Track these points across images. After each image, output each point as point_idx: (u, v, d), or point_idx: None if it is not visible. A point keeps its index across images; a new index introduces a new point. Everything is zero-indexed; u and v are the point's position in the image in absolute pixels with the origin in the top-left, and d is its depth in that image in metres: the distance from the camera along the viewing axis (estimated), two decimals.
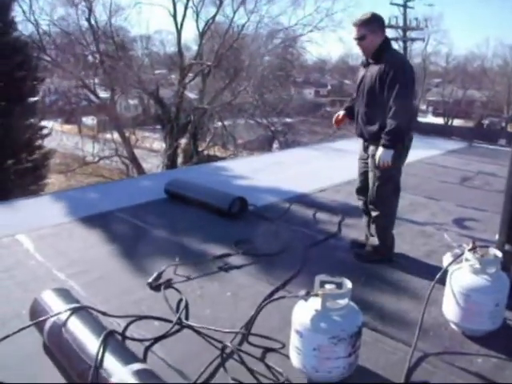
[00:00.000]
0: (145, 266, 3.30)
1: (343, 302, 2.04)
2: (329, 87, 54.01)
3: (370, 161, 3.33)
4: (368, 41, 3.14)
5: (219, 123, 20.26)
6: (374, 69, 3.16)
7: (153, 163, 20.41)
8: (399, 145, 3.12)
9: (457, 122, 45.93)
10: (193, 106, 19.14)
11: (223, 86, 19.14)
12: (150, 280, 3.00)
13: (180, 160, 19.88)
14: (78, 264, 3.30)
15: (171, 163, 18.93)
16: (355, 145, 4.40)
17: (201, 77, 20.28)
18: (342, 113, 3.66)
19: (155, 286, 2.97)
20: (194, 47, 22.08)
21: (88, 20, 19.19)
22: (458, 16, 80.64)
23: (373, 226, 3.44)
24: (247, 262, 3.38)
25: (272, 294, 2.89)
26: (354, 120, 3.48)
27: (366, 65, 3.32)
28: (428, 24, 26.35)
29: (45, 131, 17.38)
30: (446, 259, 2.84)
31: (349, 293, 2.04)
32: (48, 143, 21.52)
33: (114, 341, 2.02)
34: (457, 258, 2.55)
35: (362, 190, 3.54)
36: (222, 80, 19.97)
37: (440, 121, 46.37)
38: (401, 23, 24.81)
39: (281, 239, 3.81)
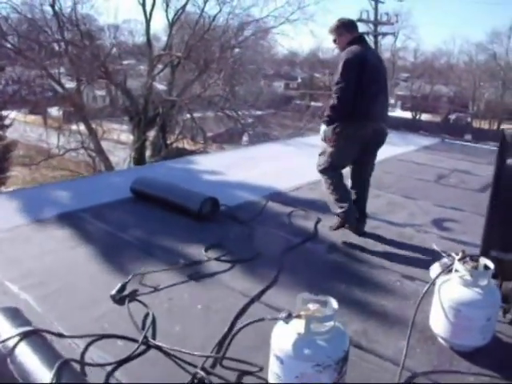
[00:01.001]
0: (108, 275, 3.03)
1: (329, 324, 1.83)
2: (299, 80, 54.01)
3: None
4: (339, 42, 3.78)
5: (188, 115, 19.85)
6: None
7: (120, 156, 19.89)
8: (330, 123, 3.62)
9: (425, 117, 46.62)
10: (162, 97, 18.65)
11: (193, 77, 18.72)
12: (114, 292, 2.73)
13: (148, 153, 19.40)
14: (33, 274, 3.00)
15: (139, 156, 18.45)
16: None
17: (170, 68, 19.81)
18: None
19: (119, 299, 2.71)
20: (164, 38, 21.57)
21: (52, 6, 18.44)
22: (425, 12, 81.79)
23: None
24: (219, 269, 3.14)
25: (246, 306, 2.68)
26: None
27: None
28: (398, 19, 26.42)
29: (6, 122, 16.72)
30: (434, 270, 2.67)
31: (335, 314, 1.83)
32: (10, 134, 20.78)
33: (69, 372, 1.76)
34: (445, 269, 2.37)
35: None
36: (191, 72, 19.54)
37: (408, 115, 46.96)
38: (372, 17, 24.82)
39: (255, 243, 3.59)
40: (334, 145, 3.66)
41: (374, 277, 3.18)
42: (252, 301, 2.75)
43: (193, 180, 5.33)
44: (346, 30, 3.74)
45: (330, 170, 3.77)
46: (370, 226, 4.06)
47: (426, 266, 3.25)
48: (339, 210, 3.75)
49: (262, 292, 2.84)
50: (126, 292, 2.77)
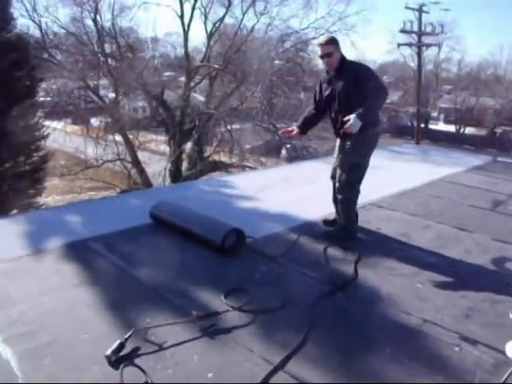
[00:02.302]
0: (110, 325, 2.58)
1: None
2: None
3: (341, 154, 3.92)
4: (334, 57, 3.73)
5: (228, 127, 19.53)
6: (343, 80, 3.73)
7: (157, 167, 19.72)
8: (367, 123, 3.64)
9: (469, 130, 45.05)
10: (198, 109, 18.44)
11: (231, 90, 18.42)
12: (109, 352, 2.27)
13: (184, 166, 19.19)
14: (23, 320, 2.59)
15: (175, 169, 18.25)
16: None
17: (208, 80, 19.62)
18: (295, 130, 4.17)
19: (115, 361, 2.25)
20: (204, 50, 21.43)
21: (94, 20, 18.60)
22: (471, 22, 79.65)
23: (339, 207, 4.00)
24: (239, 322, 2.64)
25: (268, 377, 2.17)
26: (332, 125, 3.99)
27: (329, 81, 3.86)
28: (443, 29, 25.47)
29: (45, 132, 16.79)
30: None
31: None
32: (50, 144, 20.99)
33: None
34: None
35: (334, 176, 4.08)
36: (230, 84, 19.29)
37: (452, 128, 45.53)
38: (416, 28, 24.01)
39: (283, 287, 3.08)
40: (362, 155, 3.84)
41: (425, 338, 2.61)
42: (275, 370, 2.24)
43: (220, 205, 4.87)
44: (339, 46, 3.78)
45: (358, 184, 3.96)
46: (418, 263, 3.51)
47: (488, 322, 2.70)
48: (352, 229, 4.02)
49: (288, 358, 2.33)
50: (124, 351, 2.31)
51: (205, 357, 2.34)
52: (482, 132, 44.76)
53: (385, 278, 3.30)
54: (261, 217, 4.54)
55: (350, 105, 3.66)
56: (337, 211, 4.12)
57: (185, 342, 2.43)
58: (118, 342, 2.32)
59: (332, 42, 3.75)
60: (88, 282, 3.04)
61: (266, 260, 3.48)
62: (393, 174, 6.57)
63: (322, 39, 3.85)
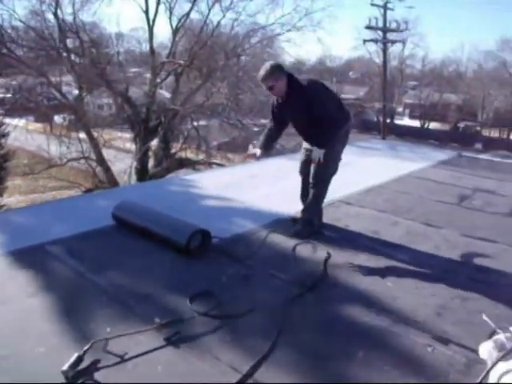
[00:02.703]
0: (67, 337, 2.42)
1: None
2: None
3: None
4: (277, 88, 3.64)
5: (194, 123, 19.26)
6: (295, 105, 3.67)
7: (123, 165, 19.30)
8: (330, 143, 3.71)
9: (433, 125, 45.94)
10: (164, 106, 18.12)
11: (197, 86, 18.17)
12: (66, 367, 2.12)
13: (151, 163, 18.84)
14: None
15: (141, 167, 17.90)
16: None
17: (174, 76, 19.29)
18: (259, 152, 4.00)
19: (72, 377, 2.10)
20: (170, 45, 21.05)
21: (55, 14, 18.00)
22: (434, 20, 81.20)
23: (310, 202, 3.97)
24: (205, 328, 2.52)
25: None
26: (302, 137, 4.03)
27: (282, 105, 3.79)
28: (408, 26, 25.80)
29: (6, 130, 16.23)
30: (486, 349, 2.05)
31: None
32: (12, 142, 20.33)
33: None
34: (506, 355, 1.75)
35: (302, 171, 4.08)
36: (195, 80, 19.02)
37: (416, 123, 46.34)
38: (381, 24, 24.23)
39: (252, 289, 2.97)
40: (336, 151, 3.84)
41: (398, 339, 2.54)
42: (244, 378, 2.13)
43: (185, 204, 4.73)
44: (280, 72, 3.61)
45: (331, 178, 3.95)
46: (389, 261, 3.47)
47: (459, 320, 2.67)
48: (316, 222, 4.03)
49: (257, 365, 2.22)
50: (83, 365, 2.16)
51: (169, 367, 2.21)
52: (446, 127, 45.73)
53: (355, 276, 3.23)
54: (228, 216, 4.42)
55: (311, 120, 3.65)
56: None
57: (148, 352, 2.29)
58: (75, 355, 2.17)
59: (270, 75, 3.59)
60: (45, 290, 2.85)
61: (233, 261, 3.36)
62: (361, 170, 6.54)
63: (261, 73, 3.64)
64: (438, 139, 39.63)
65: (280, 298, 2.85)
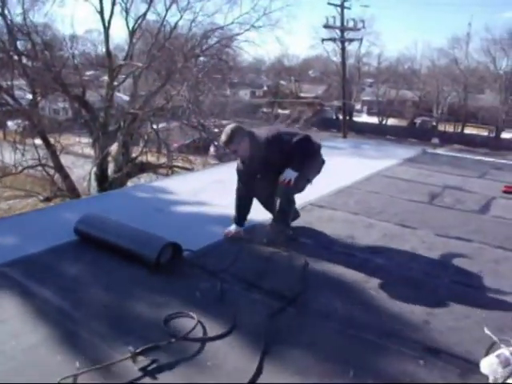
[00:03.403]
0: (30, 376, 2.18)
1: None
2: (265, 88, 53.68)
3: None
4: (240, 151, 3.68)
5: (154, 126, 18.85)
6: (262, 155, 3.66)
7: (82, 171, 18.70)
8: (305, 166, 3.73)
9: (391, 122, 46.82)
10: (123, 110, 17.67)
11: (156, 88, 17.79)
12: None
13: (111, 168, 18.34)
14: None
15: (101, 173, 17.39)
16: None
17: (132, 79, 18.83)
18: (235, 229, 3.89)
19: None
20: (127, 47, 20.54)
21: (1, 14, 17.25)
22: (388, 19, 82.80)
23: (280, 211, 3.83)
24: (183, 354, 2.33)
25: None
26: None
27: (247, 163, 3.80)
28: (364, 25, 26.11)
29: None
30: (488, 365, 1.94)
31: None
32: None
33: None
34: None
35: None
36: (154, 82, 18.62)
37: (375, 120, 47.12)
38: (338, 23, 24.41)
39: (229, 306, 2.78)
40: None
41: (388, 352, 2.42)
42: None
43: (153, 213, 4.50)
44: (241, 135, 3.62)
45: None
46: (368, 267, 3.36)
47: (448, 327, 2.57)
48: (288, 232, 3.88)
49: None
50: None
51: None
52: (403, 123, 46.67)
53: (336, 285, 3.10)
54: (198, 225, 4.22)
55: (284, 160, 3.65)
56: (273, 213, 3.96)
57: None
58: None
59: (231, 139, 3.59)
60: (2, 321, 2.59)
61: (208, 275, 3.17)
62: (328, 171, 6.42)
63: (222, 139, 3.65)
64: (396, 134, 40.44)
65: (260, 314, 2.68)
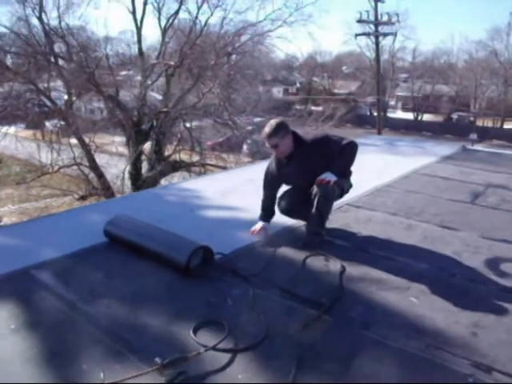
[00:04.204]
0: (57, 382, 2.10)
1: None
2: (298, 85, 53.38)
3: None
4: (282, 147, 3.52)
5: (187, 124, 18.89)
6: (303, 155, 3.54)
7: (117, 170, 18.88)
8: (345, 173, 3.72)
9: (426, 117, 45.81)
10: (156, 108, 17.76)
11: (188, 87, 17.81)
12: None
13: (145, 167, 18.47)
14: None
15: (135, 171, 17.54)
16: None
17: (165, 78, 18.92)
18: (260, 225, 3.81)
19: None
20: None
21: (39, 18, 17.58)
22: (423, 12, 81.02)
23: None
24: (212, 365, 2.20)
25: None
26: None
27: (284, 164, 3.66)
28: (399, 19, 25.51)
29: None
30: None
31: None
32: (2, 151, 19.91)
33: None
34: None
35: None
36: (186, 81, 18.66)
37: (410, 116, 46.18)
38: (371, 18, 23.93)
39: (261, 314, 2.64)
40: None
41: (432, 368, 2.23)
42: None
43: (182, 215, 4.41)
44: (285, 131, 3.51)
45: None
46: (408, 272, 3.16)
47: (498, 340, 2.36)
48: (324, 234, 3.69)
49: None
50: None
51: None
52: (439, 118, 45.60)
53: (375, 293, 2.92)
54: (230, 227, 4.10)
55: (323, 165, 3.54)
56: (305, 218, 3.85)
57: None
58: None
59: (275, 132, 3.47)
60: (28, 327, 2.52)
61: (239, 280, 3.04)
62: (364, 170, 6.20)
63: (266, 130, 3.51)
64: (433, 131, 39.52)
65: (294, 322, 2.54)
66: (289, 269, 3.26)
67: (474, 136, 37.80)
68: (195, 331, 2.43)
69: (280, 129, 3.49)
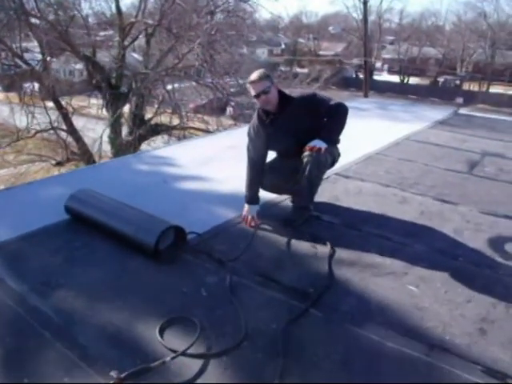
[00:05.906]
0: None
1: None
2: (283, 46, 52.28)
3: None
4: (272, 92, 3.15)
5: (169, 87, 18.17)
6: (291, 116, 3.16)
7: (96, 134, 18.20)
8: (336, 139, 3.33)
9: (412, 80, 45.25)
10: (135, 70, 17.02)
11: (168, 47, 17.04)
12: None
13: (125, 131, 17.83)
14: None
15: (115, 135, 16.92)
16: None
17: (144, 38, 18.07)
18: (253, 213, 3.29)
19: None
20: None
21: None
22: None
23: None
24: (183, 374, 1.86)
25: None
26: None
27: (267, 125, 3.24)
28: None
29: None
30: None
31: None
32: None
33: None
34: None
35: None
36: (167, 41, 17.84)
37: (396, 79, 45.56)
38: None
39: (240, 306, 2.30)
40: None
41: (437, 373, 1.92)
42: None
43: (155, 188, 4.00)
44: (272, 80, 3.19)
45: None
46: (405, 255, 2.83)
47: (509, 341, 2.05)
48: (311, 207, 3.38)
49: None
50: None
51: None
52: (426, 81, 45.09)
53: (368, 280, 2.58)
54: (206, 201, 3.71)
55: (313, 126, 3.17)
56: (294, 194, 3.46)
57: None
58: None
59: (266, 76, 3.14)
60: None
61: (215, 265, 2.68)
62: (354, 135, 5.82)
63: (254, 76, 3.16)
64: (418, 94, 39.05)
65: (277, 318, 2.20)
66: (271, 251, 2.89)
67: (459, 99, 37.51)
68: (161, 331, 2.07)
69: (268, 76, 3.16)
